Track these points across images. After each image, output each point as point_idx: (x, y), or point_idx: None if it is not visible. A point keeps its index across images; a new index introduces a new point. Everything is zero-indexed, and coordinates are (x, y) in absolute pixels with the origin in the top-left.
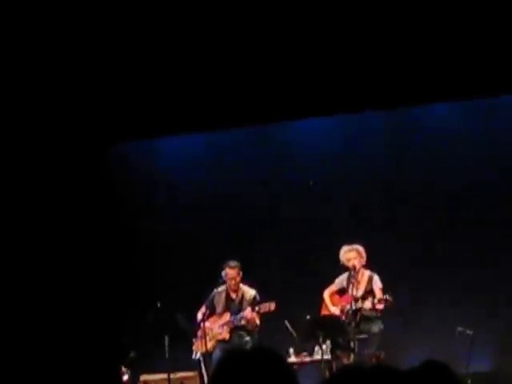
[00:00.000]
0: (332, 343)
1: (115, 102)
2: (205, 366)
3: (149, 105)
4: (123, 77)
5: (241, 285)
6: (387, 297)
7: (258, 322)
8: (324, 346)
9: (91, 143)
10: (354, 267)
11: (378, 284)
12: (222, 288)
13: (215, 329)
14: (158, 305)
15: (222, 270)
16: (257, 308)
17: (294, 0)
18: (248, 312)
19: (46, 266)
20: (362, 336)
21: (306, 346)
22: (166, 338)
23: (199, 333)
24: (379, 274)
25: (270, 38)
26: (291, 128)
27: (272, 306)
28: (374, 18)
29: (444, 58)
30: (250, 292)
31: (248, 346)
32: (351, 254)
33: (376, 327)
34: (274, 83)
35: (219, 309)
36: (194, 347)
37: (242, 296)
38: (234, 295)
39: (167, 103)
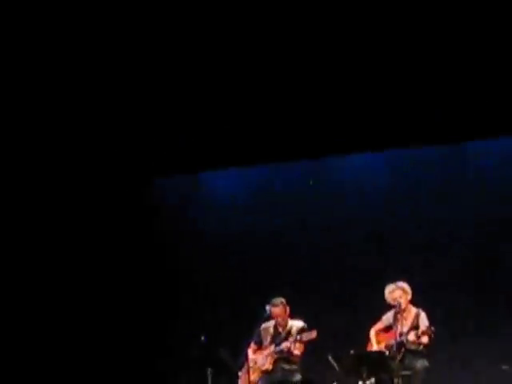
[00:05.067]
0: (376, 380)
1: (162, 137)
2: None
3: (197, 140)
4: (171, 113)
5: (289, 320)
6: (432, 328)
7: (298, 352)
8: (368, 382)
9: (135, 176)
10: (400, 305)
11: (424, 321)
12: (269, 323)
13: (259, 360)
14: (202, 338)
15: (267, 304)
16: (298, 337)
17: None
18: (289, 342)
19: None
20: (406, 372)
21: (349, 382)
22: (209, 372)
23: (245, 367)
24: (424, 310)
25: (322, 76)
26: (340, 164)
27: (314, 333)
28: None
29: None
30: (298, 324)
31: (291, 378)
32: (397, 293)
33: (420, 364)
34: (328, 118)
35: (266, 343)
36: (239, 381)
37: (290, 329)
38: (281, 329)
39: (214, 139)
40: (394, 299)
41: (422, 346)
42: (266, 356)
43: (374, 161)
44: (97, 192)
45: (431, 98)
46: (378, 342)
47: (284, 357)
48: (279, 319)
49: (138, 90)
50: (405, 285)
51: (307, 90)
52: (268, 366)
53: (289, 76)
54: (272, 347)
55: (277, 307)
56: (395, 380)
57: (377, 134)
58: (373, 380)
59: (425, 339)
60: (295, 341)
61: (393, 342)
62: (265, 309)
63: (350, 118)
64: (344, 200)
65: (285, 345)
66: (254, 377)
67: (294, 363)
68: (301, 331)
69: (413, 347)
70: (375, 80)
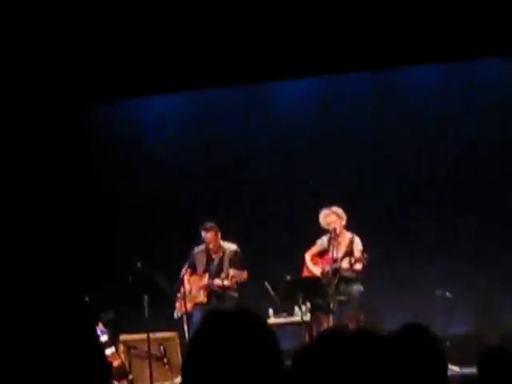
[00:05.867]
0: (311, 305)
1: (96, 61)
2: (187, 326)
3: (131, 64)
4: (105, 36)
5: (222, 243)
6: (365, 256)
7: (231, 284)
8: (303, 308)
9: (68, 101)
10: (335, 230)
11: (358, 246)
12: (202, 247)
13: (193, 291)
14: (138, 265)
15: (201, 230)
16: (231, 272)
17: None
18: (219, 280)
19: (15, 221)
20: (341, 298)
21: (285, 307)
22: (146, 298)
23: (181, 292)
24: (360, 236)
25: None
26: (273, 89)
27: (244, 275)
28: None
29: (429, 20)
30: (230, 247)
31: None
32: (331, 218)
33: (355, 289)
34: (256, 43)
35: (200, 268)
36: (176, 306)
37: (223, 255)
38: (214, 255)
39: (148, 63)
40: (329, 224)
41: (355, 273)
42: (200, 288)
43: (304, 88)
44: (28, 114)
45: (365, 24)
46: (315, 265)
47: (218, 291)
48: (211, 245)
49: (71, 12)
50: (339, 210)
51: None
52: (202, 298)
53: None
54: (206, 279)
55: (208, 232)
56: (331, 305)
57: (309, 61)
58: (308, 305)
59: (358, 266)
60: (227, 277)
61: (328, 268)
62: (199, 233)
63: (285, 43)
64: (279, 125)
65: (217, 282)
66: (189, 306)
67: (229, 296)
68: (236, 256)
69: (347, 274)
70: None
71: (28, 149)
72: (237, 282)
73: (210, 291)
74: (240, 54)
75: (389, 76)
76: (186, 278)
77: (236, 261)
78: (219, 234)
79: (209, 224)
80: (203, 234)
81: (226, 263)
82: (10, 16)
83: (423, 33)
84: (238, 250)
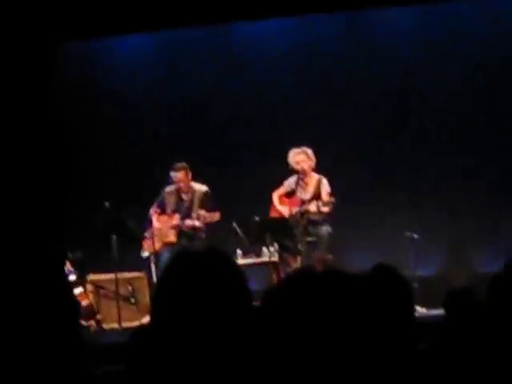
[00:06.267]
0: (279, 245)
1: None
2: (154, 265)
3: (97, 3)
4: None
5: (192, 183)
6: (331, 199)
7: (201, 224)
8: (271, 248)
9: (40, 40)
10: (303, 170)
11: (326, 188)
12: (172, 187)
13: (163, 230)
14: (106, 205)
15: (171, 170)
16: (201, 213)
17: None
18: (190, 221)
19: None
20: (310, 239)
21: (253, 248)
22: (114, 238)
23: (149, 232)
24: (328, 178)
25: None
26: (247, 29)
27: (216, 216)
28: None
29: None
30: (201, 189)
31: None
32: (300, 157)
33: (324, 230)
34: None
35: (169, 209)
36: (143, 246)
37: (193, 195)
38: (184, 196)
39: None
40: (297, 163)
41: (323, 215)
42: (171, 227)
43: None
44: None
45: None
46: (282, 205)
47: (188, 231)
48: (182, 184)
49: None
50: (309, 150)
51: None
52: (172, 238)
53: None
54: (176, 219)
55: (178, 172)
56: (299, 245)
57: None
58: (276, 245)
59: (325, 209)
60: (198, 218)
61: (296, 209)
62: (169, 175)
63: None
64: (248, 67)
65: (188, 223)
66: (158, 246)
67: (199, 237)
68: (206, 197)
69: (315, 217)
70: None
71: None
72: (208, 223)
73: (180, 231)
74: None
75: (362, 18)
76: (154, 217)
77: (206, 202)
78: (190, 175)
79: (179, 164)
80: (173, 173)
81: (196, 204)
82: None
83: None
84: (209, 191)
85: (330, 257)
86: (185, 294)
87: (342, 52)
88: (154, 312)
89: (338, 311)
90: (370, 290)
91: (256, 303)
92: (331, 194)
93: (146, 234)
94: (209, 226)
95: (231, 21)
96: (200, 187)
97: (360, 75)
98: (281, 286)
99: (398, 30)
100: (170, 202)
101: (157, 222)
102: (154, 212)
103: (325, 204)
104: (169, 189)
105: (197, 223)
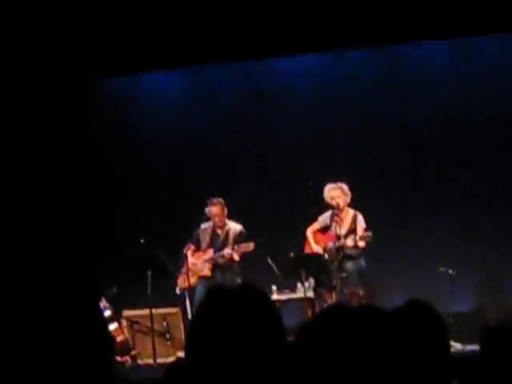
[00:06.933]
0: (315, 281)
1: (96, 36)
2: (189, 301)
3: (130, 40)
4: (106, 13)
5: (227, 221)
6: (369, 234)
7: (237, 257)
8: (306, 284)
9: (71, 75)
10: (338, 205)
11: (361, 223)
12: (207, 224)
13: (198, 265)
14: (141, 240)
15: (206, 206)
16: (236, 247)
17: None
18: (227, 250)
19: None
20: (344, 274)
21: (288, 284)
22: (149, 274)
23: (183, 268)
24: (362, 214)
25: None
26: (275, 66)
27: (251, 246)
28: None
29: None
30: (236, 228)
31: (230, 283)
32: (335, 193)
33: (357, 265)
34: (259, 19)
35: (204, 245)
36: (178, 282)
37: (228, 232)
38: (219, 231)
39: (150, 39)
40: (332, 198)
41: (359, 250)
42: (205, 261)
43: (305, 64)
44: (28, 91)
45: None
46: (317, 243)
47: (223, 264)
48: (216, 219)
49: None
50: (344, 186)
51: None
52: (207, 272)
53: None
54: (211, 252)
55: (214, 206)
56: (334, 281)
57: (309, 37)
58: (312, 281)
59: (362, 244)
60: (233, 249)
61: (331, 245)
62: (204, 212)
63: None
64: (280, 101)
65: (224, 252)
66: (192, 280)
67: (233, 271)
68: (240, 236)
69: (351, 252)
70: None
71: (35, 123)
72: (243, 254)
73: (215, 265)
74: (239, 31)
75: (389, 53)
76: (189, 253)
77: (240, 241)
78: (225, 210)
79: (215, 199)
80: (209, 208)
81: (230, 240)
82: None
83: (423, 8)
84: (243, 230)
85: (361, 292)
86: (219, 330)
87: (379, 87)
88: (188, 348)
89: (372, 347)
90: (403, 326)
91: (290, 339)
92: (366, 230)
93: (181, 271)
94: (243, 259)
95: (260, 58)
96: (235, 226)
97: (394, 112)
98: (314, 322)
99: (435, 66)
100: (205, 238)
101: (191, 257)
102: (188, 248)
103: (362, 238)
104: (203, 226)
105: (232, 253)
